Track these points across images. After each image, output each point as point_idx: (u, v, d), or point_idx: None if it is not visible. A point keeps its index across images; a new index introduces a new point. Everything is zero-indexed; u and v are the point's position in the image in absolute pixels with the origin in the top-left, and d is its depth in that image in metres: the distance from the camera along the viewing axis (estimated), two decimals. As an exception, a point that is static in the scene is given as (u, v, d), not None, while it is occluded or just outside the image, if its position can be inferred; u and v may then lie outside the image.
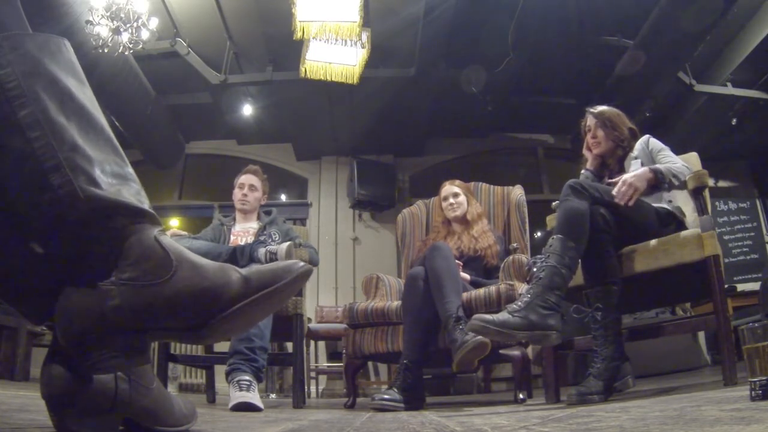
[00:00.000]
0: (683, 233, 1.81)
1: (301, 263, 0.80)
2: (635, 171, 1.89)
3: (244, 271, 0.77)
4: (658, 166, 1.93)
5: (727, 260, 6.09)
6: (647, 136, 2.17)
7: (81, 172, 0.70)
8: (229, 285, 0.73)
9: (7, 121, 0.68)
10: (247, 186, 2.90)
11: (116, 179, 0.74)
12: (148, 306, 0.69)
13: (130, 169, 0.78)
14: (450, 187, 2.88)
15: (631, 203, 1.82)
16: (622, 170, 2.19)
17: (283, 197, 6.91)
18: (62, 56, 0.76)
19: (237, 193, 2.91)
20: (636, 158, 2.12)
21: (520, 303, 1.65)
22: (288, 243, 2.50)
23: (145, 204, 0.76)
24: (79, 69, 0.78)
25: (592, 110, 2.27)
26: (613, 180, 1.92)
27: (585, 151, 2.29)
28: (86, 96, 0.77)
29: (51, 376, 0.69)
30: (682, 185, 1.90)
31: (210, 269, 0.74)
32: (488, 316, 1.62)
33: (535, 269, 1.72)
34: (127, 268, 0.70)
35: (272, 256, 2.44)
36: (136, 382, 0.75)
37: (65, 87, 0.74)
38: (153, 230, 0.74)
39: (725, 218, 6.45)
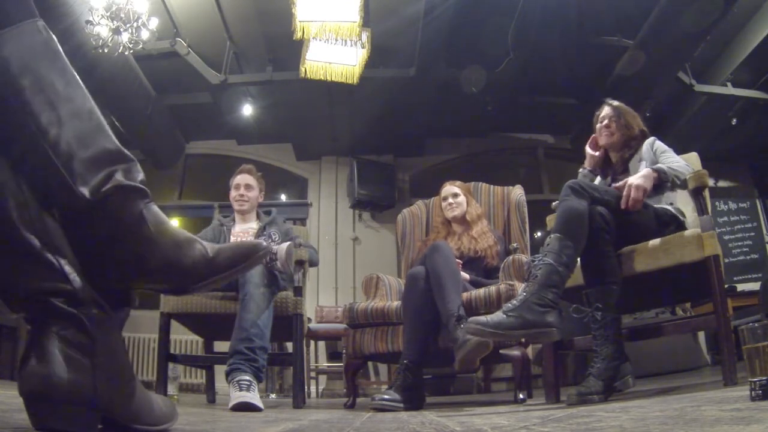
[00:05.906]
0: (683, 233, 1.81)
1: (263, 247, 0.90)
2: (640, 173, 1.89)
3: (210, 250, 0.86)
4: (659, 165, 1.94)
5: (727, 260, 6.08)
6: (653, 138, 2.17)
7: (80, 178, 0.77)
8: (196, 266, 0.84)
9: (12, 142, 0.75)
10: (243, 186, 2.90)
11: (106, 166, 0.80)
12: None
13: (112, 146, 0.83)
14: (450, 187, 2.89)
15: (639, 206, 1.82)
16: (626, 172, 2.19)
17: (283, 197, 6.90)
18: (37, 42, 0.80)
19: (233, 194, 2.90)
20: (641, 161, 2.12)
21: (515, 302, 1.64)
22: (288, 243, 2.49)
23: (137, 179, 0.83)
24: (56, 47, 0.82)
25: (611, 101, 2.30)
26: (618, 185, 1.92)
27: (587, 147, 2.30)
28: (67, 80, 0.82)
29: (28, 373, 0.70)
30: (683, 184, 1.90)
31: (183, 249, 0.83)
32: (483, 318, 1.62)
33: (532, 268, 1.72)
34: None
35: (272, 256, 2.43)
36: (116, 380, 0.75)
37: (50, 84, 0.79)
38: (140, 204, 0.82)
39: (725, 218, 6.44)
